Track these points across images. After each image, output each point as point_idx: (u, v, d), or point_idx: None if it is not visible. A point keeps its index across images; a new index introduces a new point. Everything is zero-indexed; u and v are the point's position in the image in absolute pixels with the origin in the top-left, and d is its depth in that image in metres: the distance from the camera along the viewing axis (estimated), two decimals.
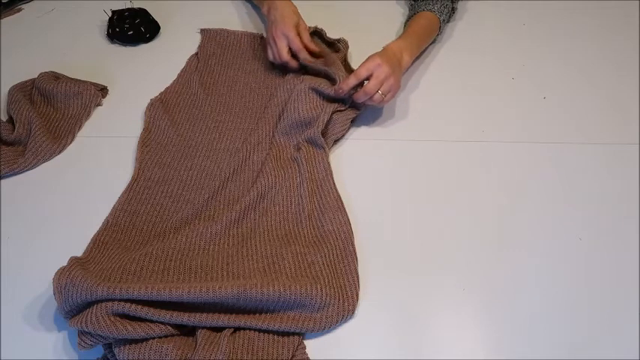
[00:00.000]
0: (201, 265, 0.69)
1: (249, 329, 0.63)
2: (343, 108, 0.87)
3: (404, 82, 0.96)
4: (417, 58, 0.98)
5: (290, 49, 0.93)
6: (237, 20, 1.11)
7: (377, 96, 0.83)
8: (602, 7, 1.14)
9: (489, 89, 0.96)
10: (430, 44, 1.01)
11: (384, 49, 0.88)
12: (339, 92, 0.85)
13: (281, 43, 0.92)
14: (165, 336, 0.61)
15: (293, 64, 0.93)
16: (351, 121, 0.88)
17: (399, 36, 0.93)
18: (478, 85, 0.96)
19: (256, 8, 1.12)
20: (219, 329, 0.63)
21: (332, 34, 1.01)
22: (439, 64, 1.01)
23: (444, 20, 0.98)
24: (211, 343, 0.61)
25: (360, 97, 0.84)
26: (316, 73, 0.91)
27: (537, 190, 0.79)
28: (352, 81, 0.84)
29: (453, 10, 1.03)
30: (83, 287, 0.61)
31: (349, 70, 0.95)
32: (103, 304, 0.60)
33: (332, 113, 0.85)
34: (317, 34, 1.00)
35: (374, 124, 0.90)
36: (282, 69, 0.97)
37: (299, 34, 0.92)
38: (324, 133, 0.84)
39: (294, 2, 0.97)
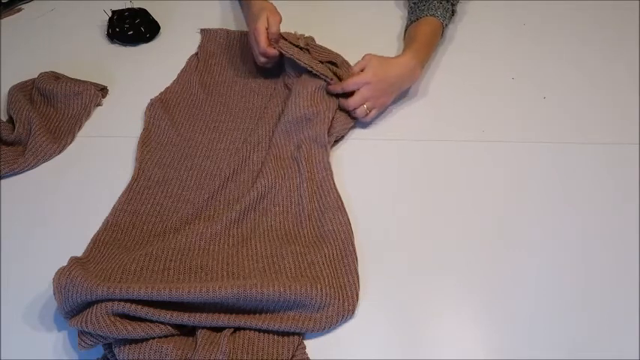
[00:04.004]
0: (201, 265, 0.69)
1: (249, 329, 0.63)
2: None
3: None
4: None
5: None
6: (237, 20, 1.11)
7: (360, 111, 0.85)
8: (602, 7, 1.14)
9: (489, 89, 0.96)
10: None
11: (393, 61, 0.87)
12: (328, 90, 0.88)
13: (253, 46, 0.92)
14: (165, 336, 0.61)
15: (269, 61, 0.92)
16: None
17: (411, 47, 0.91)
18: (478, 85, 0.96)
19: None
20: (219, 329, 0.63)
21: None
22: (439, 64, 1.01)
23: (446, 25, 0.99)
24: (211, 343, 0.61)
25: (342, 105, 0.86)
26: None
27: (537, 189, 0.79)
28: (337, 89, 0.86)
29: (453, 12, 1.03)
30: (83, 287, 0.61)
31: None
32: (103, 304, 0.60)
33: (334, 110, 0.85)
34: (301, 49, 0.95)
35: (374, 124, 0.90)
36: (281, 69, 0.97)
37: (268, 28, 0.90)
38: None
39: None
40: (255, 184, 0.79)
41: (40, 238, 0.75)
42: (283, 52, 0.89)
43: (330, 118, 0.84)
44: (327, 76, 0.87)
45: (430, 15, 0.96)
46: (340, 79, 0.88)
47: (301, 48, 0.91)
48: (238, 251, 0.71)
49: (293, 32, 0.93)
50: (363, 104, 0.85)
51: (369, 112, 0.86)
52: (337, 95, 0.88)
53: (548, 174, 0.81)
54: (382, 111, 0.89)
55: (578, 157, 0.84)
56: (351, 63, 0.99)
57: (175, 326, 0.62)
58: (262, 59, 0.92)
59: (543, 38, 1.06)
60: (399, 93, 0.90)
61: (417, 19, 0.98)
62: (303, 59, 0.88)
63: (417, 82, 0.96)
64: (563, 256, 0.71)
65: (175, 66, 1.00)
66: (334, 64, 0.91)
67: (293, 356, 0.62)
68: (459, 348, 0.63)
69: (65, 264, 0.65)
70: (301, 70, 0.91)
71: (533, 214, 0.76)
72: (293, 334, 0.63)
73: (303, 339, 0.64)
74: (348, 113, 0.88)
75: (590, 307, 0.66)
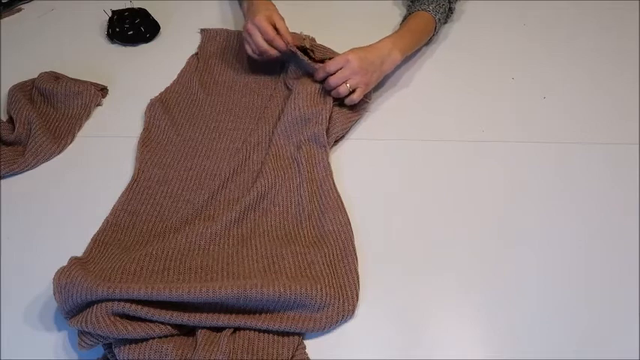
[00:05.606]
0: (201, 265, 0.69)
1: (249, 329, 0.63)
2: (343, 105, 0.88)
3: (404, 81, 0.96)
4: (412, 56, 0.99)
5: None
6: (237, 20, 1.11)
7: (342, 89, 0.85)
8: (602, 7, 1.14)
9: (489, 89, 0.96)
10: (426, 44, 1.02)
11: (372, 45, 0.89)
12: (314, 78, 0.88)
13: (255, 33, 0.90)
14: (165, 336, 0.61)
15: (272, 52, 0.91)
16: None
17: (392, 34, 0.93)
18: (478, 85, 0.96)
19: None
20: (219, 329, 0.63)
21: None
22: (439, 63, 1.01)
23: (439, 20, 0.99)
24: (211, 343, 0.61)
25: (325, 86, 0.87)
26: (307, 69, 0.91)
27: (537, 189, 0.79)
28: (321, 74, 0.86)
29: (451, 10, 1.03)
30: (83, 287, 0.61)
31: None
32: (103, 304, 0.60)
33: (331, 111, 0.85)
34: (305, 50, 0.93)
35: (374, 124, 0.90)
36: (281, 69, 0.97)
37: (274, 25, 0.90)
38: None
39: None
40: (255, 184, 0.79)
41: (40, 238, 0.75)
42: (291, 48, 0.89)
43: (327, 118, 0.84)
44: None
45: (422, 9, 0.97)
46: None
47: (306, 49, 0.91)
48: (238, 251, 0.71)
49: (299, 32, 0.93)
50: (344, 83, 0.85)
51: (353, 91, 0.86)
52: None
53: (548, 174, 0.81)
54: (367, 92, 0.88)
55: (578, 157, 0.84)
56: None
57: (175, 326, 0.62)
58: (264, 47, 0.90)
59: (543, 38, 1.06)
60: (380, 75, 0.90)
61: (410, 14, 0.99)
62: (309, 57, 0.89)
63: (417, 81, 0.96)
64: (563, 257, 0.71)
65: (175, 66, 1.00)
66: None
67: (293, 356, 0.62)
68: (459, 348, 0.63)
69: (65, 264, 0.65)
70: (302, 71, 0.91)
71: (533, 214, 0.76)
72: (293, 334, 0.63)
73: (303, 339, 0.64)
74: (348, 107, 0.88)
75: (591, 307, 0.66)
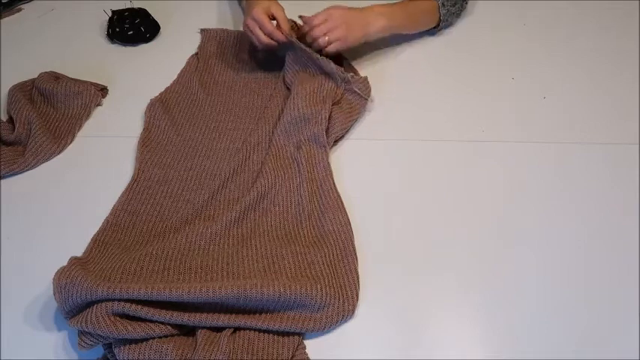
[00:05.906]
0: (201, 265, 0.69)
1: (249, 329, 0.63)
2: (341, 99, 0.88)
3: (403, 81, 0.96)
4: (412, 56, 0.99)
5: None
6: (236, 20, 1.11)
7: (321, 40, 0.88)
8: (602, 7, 1.14)
9: (489, 89, 0.96)
10: (432, 33, 1.02)
11: (363, 7, 0.91)
12: (301, 28, 0.92)
13: (254, 28, 0.91)
14: (165, 336, 0.61)
15: (272, 44, 0.92)
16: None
17: (386, 4, 0.94)
18: (478, 85, 0.96)
19: None
20: (219, 329, 0.63)
21: None
22: (439, 63, 1.01)
23: (443, 4, 0.99)
24: (211, 343, 0.61)
25: (307, 38, 0.90)
26: (305, 65, 0.91)
27: (537, 190, 0.79)
28: (306, 28, 0.89)
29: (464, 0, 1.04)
30: (83, 287, 0.61)
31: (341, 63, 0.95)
32: (103, 304, 0.60)
33: (331, 111, 0.85)
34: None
35: (374, 124, 0.90)
36: (281, 68, 0.97)
37: (273, 16, 0.91)
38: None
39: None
40: (255, 184, 0.79)
41: (40, 238, 0.75)
42: (290, 38, 0.89)
43: (327, 118, 0.84)
44: (339, 70, 0.88)
45: None
46: None
47: (309, 43, 0.91)
48: (238, 251, 0.71)
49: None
50: (324, 35, 0.87)
51: (330, 43, 0.88)
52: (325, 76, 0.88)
53: (548, 174, 0.81)
54: (344, 46, 0.90)
55: (578, 157, 0.84)
56: (352, 61, 0.99)
57: (175, 326, 0.62)
58: (264, 41, 0.90)
59: (543, 38, 1.06)
60: (364, 35, 0.91)
61: None
62: (309, 51, 0.89)
63: (417, 81, 0.96)
64: (562, 257, 0.71)
65: (175, 66, 1.00)
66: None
67: (293, 356, 0.62)
68: (459, 348, 0.63)
69: (65, 264, 0.65)
70: (301, 66, 0.91)
71: (532, 214, 0.76)
72: (293, 334, 0.63)
73: (303, 339, 0.64)
74: (348, 106, 0.88)
75: (591, 307, 0.66)
